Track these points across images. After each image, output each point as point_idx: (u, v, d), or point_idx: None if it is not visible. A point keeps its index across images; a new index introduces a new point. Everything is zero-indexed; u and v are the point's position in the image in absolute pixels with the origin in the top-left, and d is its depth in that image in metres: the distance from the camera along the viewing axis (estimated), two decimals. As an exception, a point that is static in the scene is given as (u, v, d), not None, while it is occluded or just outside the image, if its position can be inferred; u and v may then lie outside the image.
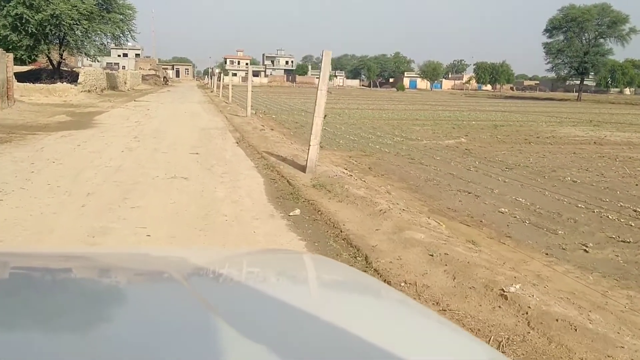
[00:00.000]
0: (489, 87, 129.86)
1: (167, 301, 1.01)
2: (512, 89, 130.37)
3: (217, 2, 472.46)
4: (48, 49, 28.66)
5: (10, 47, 28.66)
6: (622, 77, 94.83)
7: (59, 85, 27.44)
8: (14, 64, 34.93)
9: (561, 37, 68.92)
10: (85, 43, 30.06)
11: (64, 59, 32.95)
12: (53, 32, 27.73)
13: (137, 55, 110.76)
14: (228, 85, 34.54)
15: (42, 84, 27.41)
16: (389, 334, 0.93)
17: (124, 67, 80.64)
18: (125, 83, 43.36)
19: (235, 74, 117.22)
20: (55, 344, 0.79)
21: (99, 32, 29.78)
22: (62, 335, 0.83)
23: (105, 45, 32.38)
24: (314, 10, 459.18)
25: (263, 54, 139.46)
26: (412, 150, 13.63)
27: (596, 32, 67.56)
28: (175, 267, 1.27)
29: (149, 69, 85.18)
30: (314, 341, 0.86)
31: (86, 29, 28.94)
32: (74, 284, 1.16)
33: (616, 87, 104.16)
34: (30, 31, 27.09)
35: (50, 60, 30.39)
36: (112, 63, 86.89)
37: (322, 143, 10.10)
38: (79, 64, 47.30)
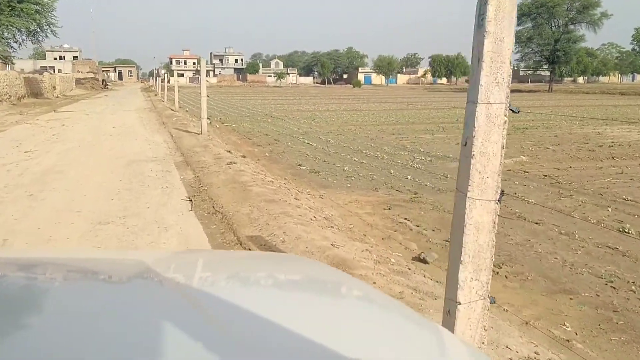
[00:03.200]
0: (444, 80, 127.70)
1: (153, 304, 1.00)
2: (467, 81, 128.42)
3: (162, 1, 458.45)
4: (-60, 49, 22.54)
5: None
6: (577, 66, 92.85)
7: (-48, 94, 21.38)
8: None
9: (530, 25, 65.51)
10: (-10, 40, 24.07)
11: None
12: (-56, 27, 21.69)
13: (75, 57, 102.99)
14: (180, 87, 29.17)
15: None
16: (372, 336, 0.93)
17: (59, 71, 73.38)
18: (54, 88, 37.03)
19: (182, 75, 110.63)
20: (34, 346, 0.78)
21: (9, 26, 23.77)
22: (45, 338, 0.81)
23: (20, 43, 26.35)
24: (261, 6, 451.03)
25: (211, 53, 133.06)
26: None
27: (567, 18, 64.17)
28: (160, 269, 1.26)
29: (87, 72, 78.30)
30: (295, 343, 0.84)
31: (-10, 22, 23.01)
32: (68, 285, 1.15)
33: (570, 76, 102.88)
34: None
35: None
36: (47, 67, 79.64)
37: (326, 176, 7.86)
38: (9, 68, 40.63)
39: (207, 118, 20.16)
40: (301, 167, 10.35)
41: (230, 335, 0.82)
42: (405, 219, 6.38)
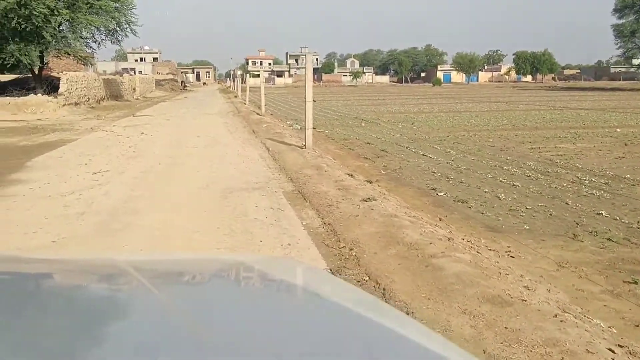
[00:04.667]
0: (529, 77, 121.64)
1: (146, 309, 1.00)
2: (554, 79, 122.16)
3: (239, 2, 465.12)
4: (20, 50, 21.34)
5: (-33, 48, 21.60)
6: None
7: (31, 98, 20.18)
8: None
9: (632, 18, 59.58)
10: (69, 40, 22.74)
11: (47, 63, 25.77)
12: (23, 27, 20.42)
13: (155, 59, 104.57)
14: (254, 88, 27.29)
15: (8, 98, 20.20)
16: (366, 340, 0.92)
17: (140, 72, 73.95)
18: (133, 90, 36.15)
19: (257, 75, 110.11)
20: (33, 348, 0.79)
21: (87, 24, 22.43)
22: (44, 342, 0.82)
23: (99, 43, 25.07)
24: (337, 6, 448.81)
25: (286, 53, 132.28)
26: None
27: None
28: (154, 273, 1.26)
29: (167, 73, 78.65)
30: (288, 347, 0.84)
31: (68, 20, 21.66)
32: (65, 291, 1.16)
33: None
34: (-10, 26, 19.90)
35: (29, 66, 23.13)
36: (127, 68, 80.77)
37: (481, 210, 6.37)
38: (91, 70, 40.33)
39: (296, 123, 18.00)
40: (438, 193, 7.77)
41: (222, 339, 0.82)
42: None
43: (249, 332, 0.88)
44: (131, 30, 24.98)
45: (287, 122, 18.74)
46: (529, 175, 9.10)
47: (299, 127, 16.99)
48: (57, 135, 13.46)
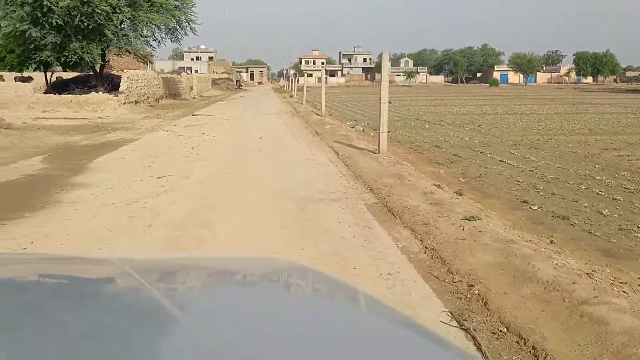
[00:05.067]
0: (589, 79, 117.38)
1: (140, 310, 0.99)
2: (615, 80, 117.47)
3: (292, 2, 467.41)
4: (82, 48, 21.39)
5: (33, 45, 21.80)
6: None
7: (92, 96, 20.19)
8: (59, 69, 28.62)
9: None
10: (130, 38, 22.69)
11: (108, 61, 25.87)
12: (86, 25, 20.43)
13: (211, 58, 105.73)
14: (308, 87, 26.78)
15: (70, 95, 20.27)
16: (361, 338, 0.90)
17: (196, 71, 74.72)
18: (191, 89, 36.21)
19: (310, 74, 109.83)
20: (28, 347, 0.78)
21: (148, 22, 22.31)
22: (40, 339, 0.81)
23: (159, 41, 24.97)
24: (391, 5, 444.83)
25: (339, 52, 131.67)
26: None
27: None
28: (151, 275, 1.24)
29: (222, 72, 79.24)
30: (286, 346, 0.83)
31: (130, 18, 21.60)
32: (65, 288, 1.16)
33: None
34: (55, 24, 19.95)
35: (91, 63, 23.24)
36: (184, 67, 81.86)
37: (587, 227, 5.46)
38: (149, 68, 40.76)
39: (358, 124, 17.28)
40: (531, 207, 6.91)
41: (222, 339, 0.81)
42: None
43: (248, 332, 0.87)
44: (191, 28, 24.77)
45: (347, 123, 18.06)
46: (627, 188, 8.15)
47: (362, 129, 16.30)
48: (118, 134, 13.20)
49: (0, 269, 1.26)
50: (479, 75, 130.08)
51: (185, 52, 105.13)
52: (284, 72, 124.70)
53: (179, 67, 78.17)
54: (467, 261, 3.80)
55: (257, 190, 6.57)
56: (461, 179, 8.84)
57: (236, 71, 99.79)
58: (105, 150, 10.16)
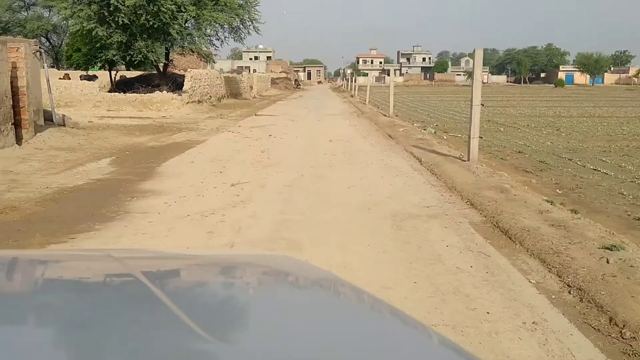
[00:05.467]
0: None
1: (142, 308, 0.96)
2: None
3: (348, 1, 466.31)
4: (147, 47, 21.35)
5: (99, 44, 21.92)
6: None
7: (156, 95, 20.07)
8: (123, 69, 28.96)
9: None
10: (194, 37, 22.52)
11: (171, 60, 25.85)
12: (151, 23, 20.35)
13: (269, 58, 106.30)
14: (365, 87, 26.06)
15: (135, 94, 20.23)
16: (361, 337, 0.90)
17: (254, 71, 75.09)
18: (251, 88, 36.04)
19: (366, 74, 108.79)
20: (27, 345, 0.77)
21: (212, 21, 22.08)
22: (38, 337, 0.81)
23: (222, 41, 24.75)
24: (445, 4, 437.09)
25: (398, 52, 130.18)
26: None
27: None
28: (152, 272, 1.23)
29: (280, 72, 79.28)
30: (286, 345, 0.82)
31: (194, 17, 21.40)
32: (63, 285, 1.14)
33: None
34: (121, 22, 19.95)
35: (155, 62, 23.24)
36: (242, 67, 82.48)
37: None
38: (209, 67, 40.99)
39: (429, 125, 16.39)
40: (653, 229, 5.99)
41: (221, 338, 0.80)
42: None
43: (248, 331, 0.87)
44: (254, 27, 24.45)
45: (414, 125, 17.22)
46: None
47: (433, 131, 15.43)
48: (183, 135, 12.84)
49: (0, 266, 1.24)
50: (542, 75, 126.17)
51: (243, 51, 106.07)
52: (341, 71, 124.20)
53: (238, 67, 78.79)
54: (633, 309, 3.01)
55: (342, 203, 5.91)
56: (557, 190, 7.94)
57: (294, 70, 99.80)
58: (173, 153, 9.75)
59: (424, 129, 15.59)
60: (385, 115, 18.46)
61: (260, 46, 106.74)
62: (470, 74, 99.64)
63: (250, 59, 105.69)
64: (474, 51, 8.26)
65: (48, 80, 11.71)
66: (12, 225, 4.94)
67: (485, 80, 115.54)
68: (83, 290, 1.11)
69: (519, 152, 11.89)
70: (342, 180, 7.23)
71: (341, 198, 6.18)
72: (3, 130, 8.64)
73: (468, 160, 8.02)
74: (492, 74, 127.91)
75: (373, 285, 3.49)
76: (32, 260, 1.33)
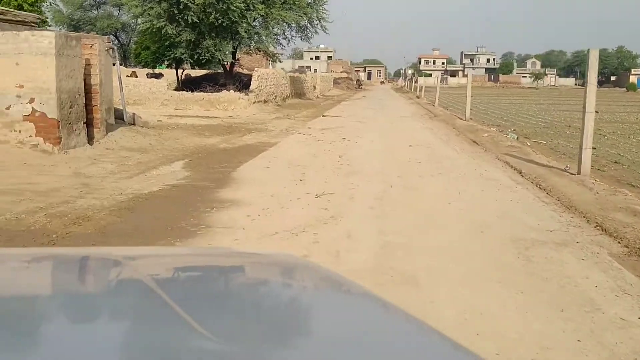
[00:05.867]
0: None
1: (142, 304, 0.96)
2: None
3: (409, 1, 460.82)
4: (215, 45, 21.08)
5: (167, 43, 21.84)
6: None
7: (223, 94, 19.78)
8: (189, 67, 28.97)
9: None
10: (262, 36, 22.13)
11: (238, 59, 25.60)
12: (220, 22, 20.06)
13: (329, 57, 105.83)
14: (428, 88, 25.12)
15: (202, 93, 20.00)
16: (366, 337, 0.89)
17: (315, 71, 74.74)
18: (314, 88, 35.57)
19: (429, 75, 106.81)
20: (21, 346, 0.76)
21: (280, 20, 21.63)
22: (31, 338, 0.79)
23: (289, 40, 24.27)
24: (518, 3, 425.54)
25: (461, 52, 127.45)
26: None
27: None
28: (154, 268, 1.23)
29: (341, 72, 78.67)
30: (286, 343, 0.81)
31: (262, 16, 21.00)
32: (62, 283, 1.13)
33: None
34: (190, 21, 19.75)
35: (222, 61, 23.02)
36: (304, 66, 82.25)
37: None
38: (271, 67, 40.81)
39: (495, 127, 15.23)
40: None
41: (221, 337, 0.78)
42: None
43: (252, 330, 0.86)
44: (321, 26, 23.84)
45: (491, 129, 16.19)
46: None
47: (515, 137, 14.39)
48: (253, 136, 12.34)
49: (1, 266, 1.21)
50: (613, 78, 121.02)
51: (305, 51, 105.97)
52: (402, 71, 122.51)
53: (299, 66, 78.56)
54: None
55: (447, 223, 5.14)
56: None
57: (355, 70, 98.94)
58: (246, 156, 9.21)
59: (506, 135, 14.58)
60: (461, 119, 17.49)
61: (322, 46, 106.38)
62: (536, 76, 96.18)
63: (311, 58, 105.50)
64: (587, 52, 7.36)
65: (120, 78, 11.43)
66: (86, 238, 4.44)
67: (552, 83, 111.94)
68: (85, 289, 1.09)
69: (615, 162, 10.78)
70: (438, 194, 6.45)
71: (444, 216, 5.42)
72: (75, 130, 8.31)
73: (579, 173, 7.09)
74: (560, 76, 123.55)
75: (528, 344, 2.74)
76: (33, 259, 1.32)
